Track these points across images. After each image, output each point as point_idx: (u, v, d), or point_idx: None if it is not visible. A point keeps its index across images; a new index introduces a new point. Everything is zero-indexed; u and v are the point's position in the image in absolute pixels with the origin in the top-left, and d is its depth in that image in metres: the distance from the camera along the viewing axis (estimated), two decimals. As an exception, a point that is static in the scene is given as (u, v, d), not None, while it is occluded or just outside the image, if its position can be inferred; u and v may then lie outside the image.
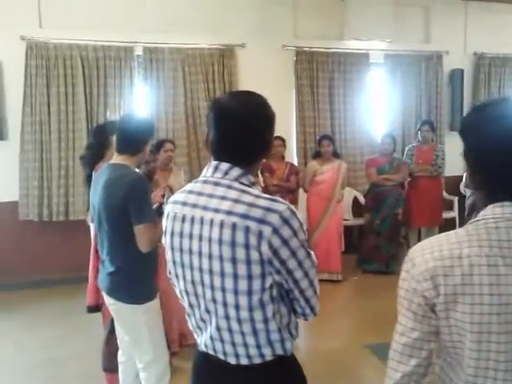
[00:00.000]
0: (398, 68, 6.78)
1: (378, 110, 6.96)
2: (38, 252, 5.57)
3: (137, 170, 2.50)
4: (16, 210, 5.60)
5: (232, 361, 1.32)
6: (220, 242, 1.24)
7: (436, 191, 5.82)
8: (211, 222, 1.26)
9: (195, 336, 1.43)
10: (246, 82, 6.10)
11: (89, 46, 5.66)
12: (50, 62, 5.56)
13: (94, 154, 3.12)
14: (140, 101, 6.01)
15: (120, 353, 2.60)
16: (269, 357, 1.31)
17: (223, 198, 1.27)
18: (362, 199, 6.30)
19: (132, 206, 2.19)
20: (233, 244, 1.22)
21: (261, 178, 5.40)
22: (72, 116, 5.64)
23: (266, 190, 5.35)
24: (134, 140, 2.34)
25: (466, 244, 1.02)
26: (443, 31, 6.85)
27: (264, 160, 1.44)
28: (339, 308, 4.80)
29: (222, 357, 1.34)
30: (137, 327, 2.33)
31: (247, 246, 1.21)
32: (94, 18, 5.64)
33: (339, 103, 6.59)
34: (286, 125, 6.39)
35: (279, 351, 1.32)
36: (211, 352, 1.36)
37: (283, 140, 5.36)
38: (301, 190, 5.54)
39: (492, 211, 1.03)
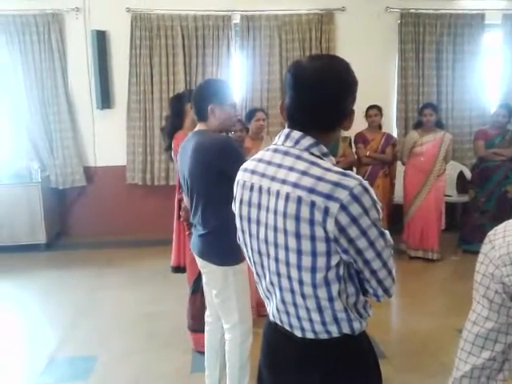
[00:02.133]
0: (520, 30, 6.06)
1: (492, 78, 6.32)
2: (142, 213, 5.98)
3: (223, 134, 2.52)
4: (124, 174, 6.01)
5: (298, 334, 1.30)
6: (285, 215, 1.19)
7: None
8: (277, 193, 1.21)
9: (266, 304, 1.41)
10: (345, 49, 5.85)
11: (189, 16, 5.77)
12: (152, 32, 5.78)
13: (173, 124, 3.18)
14: (237, 70, 6.03)
15: (207, 313, 2.67)
16: (335, 334, 1.27)
17: (291, 168, 1.21)
18: (468, 174, 5.83)
19: (227, 164, 2.17)
20: (297, 218, 1.17)
21: (354, 149, 5.22)
22: (173, 86, 5.84)
23: (358, 161, 5.16)
24: (198, 106, 2.37)
25: None
26: None
27: (343, 130, 1.34)
28: (433, 288, 4.57)
29: (288, 328, 1.32)
30: (226, 289, 2.38)
31: (312, 222, 1.15)
32: (193, -12, 5.72)
33: (447, 69, 6.10)
34: (386, 93, 6.10)
35: (346, 330, 1.27)
36: (278, 322, 1.35)
37: (379, 109, 5.09)
38: (399, 164, 5.27)
39: None
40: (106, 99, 5.84)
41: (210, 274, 2.44)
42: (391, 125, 6.08)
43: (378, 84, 5.92)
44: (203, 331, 3.20)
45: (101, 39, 5.69)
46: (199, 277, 3.15)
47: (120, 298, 4.29)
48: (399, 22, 6.00)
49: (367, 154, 5.02)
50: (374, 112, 5.03)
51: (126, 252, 5.54)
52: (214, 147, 2.26)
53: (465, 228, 5.35)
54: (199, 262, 2.47)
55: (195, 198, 2.38)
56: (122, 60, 5.81)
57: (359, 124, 5.21)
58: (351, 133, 5.26)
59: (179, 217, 3.22)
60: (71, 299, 4.30)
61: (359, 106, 4.70)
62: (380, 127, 5.22)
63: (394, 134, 5.94)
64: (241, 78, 6.01)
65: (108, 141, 5.98)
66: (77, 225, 6.08)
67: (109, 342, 3.49)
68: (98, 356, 3.30)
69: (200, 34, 5.81)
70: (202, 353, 2.89)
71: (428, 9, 5.96)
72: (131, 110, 5.89)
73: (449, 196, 5.83)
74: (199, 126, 2.42)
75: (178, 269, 3.34)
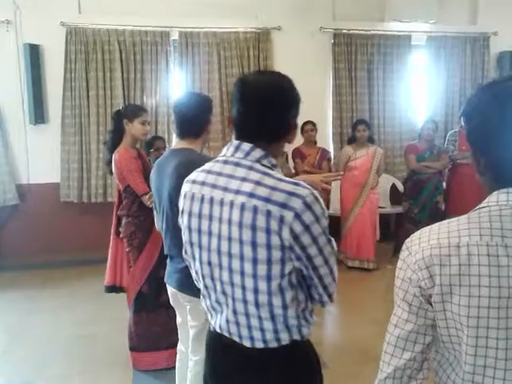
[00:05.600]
0: (442, 51, 6.50)
1: (419, 95, 6.71)
2: (78, 232, 5.77)
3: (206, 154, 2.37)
4: (57, 192, 5.80)
5: (247, 344, 1.31)
6: (240, 224, 1.21)
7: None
8: (231, 203, 1.24)
9: (208, 317, 1.42)
10: (282, 66, 6.00)
11: (126, 31, 5.73)
12: (88, 47, 5.68)
13: (114, 139, 3.16)
14: (175, 85, 6.04)
15: (180, 345, 2.49)
16: (285, 341, 1.30)
17: (244, 179, 1.24)
18: (400, 186, 6.12)
19: None
20: (253, 228, 1.20)
21: (292, 164, 5.34)
22: (110, 101, 5.76)
23: (296, 176, 5.28)
24: (195, 121, 2.19)
25: (465, 232, 0.95)
26: (491, 10, 6.45)
27: (287, 143, 1.39)
28: (371, 296, 4.72)
29: (237, 339, 1.33)
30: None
31: (268, 231, 1.19)
32: (130, 4, 5.69)
33: (378, 87, 6.41)
34: (322, 109, 6.30)
35: (296, 336, 1.31)
36: (226, 334, 1.35)
37: (314, 124, 5.27)
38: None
39: (497, 198, 0.95)
40: (39, 114, 5.64)
41: (197, 307, 2.12)
42: (327, 140, 6.28)
43: (314, 101, 6.11)
44: (146, 350, 3.17)
45: (34, 53, 5.52)
46: (139, 295, 3.11)
47: (55, 321, 4.12)
48: (332, 41, 6.25)
49: (305, 168, 5.15)
50: (310, 127, 5.20)
51: (61, 272, 5.33)
52: None
53: (399, 238, 5.58)
54: (180, 297, 2.22)
55: (175, 226, 1.91)
56: (56, 74, 5.65)
57: (298, 140, 5.36)
58: (287, 148, 5.39)
59: (118, 233, 3.17)
60: (3, 324, 4.08)
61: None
62: (315, 142, 5.39)
63: (331, 149, 6.14)
64: (180, 93, 6.01)
65: (42, 157, 5.76)
66: (9, 245, 5.76)
67: (44, 368, 3.34)
68: (33, 383, 3.15)
69: (138, 49, 5.78)
70: (143, 371, 2.83)
71: (359, 30, 6.25)
72: (66, 125, 5.73)
73: (382, 208, 6.09)
74: (179, 144, 2.24)
75: (114, 288, 3.27)
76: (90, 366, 3.36)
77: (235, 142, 1.31)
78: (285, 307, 1.25)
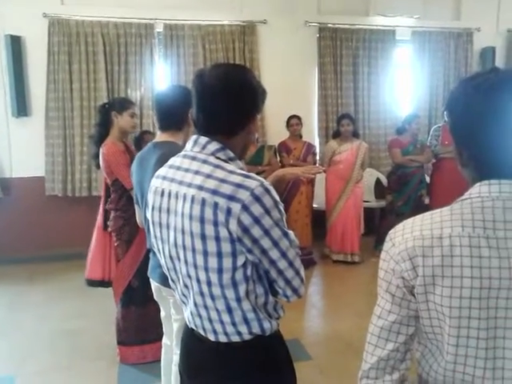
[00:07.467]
0: (426, 46, 6.56)
1: (403, 90, 6.76)
2: (64, 226, 5.72)
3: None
4: (42, 185, 5.73)
5: (211, 337, 1.32)
6: (190, 217, 1.21)
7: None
8: (184, 196, 1.24)
9: (183, 310, 1.42)
10: (267, 60, 6.03)
11: (110, 23, 5.66)
12: (71, 38, 5.60)
13: (101, 132, 3.13)
14: (160, 78, 6.00)
15: (166, 339, 2.50)
16: (246, 335, 1.29)
17: (197, 172, 1.24)
18: (384, 180, 6.18)
19: None
20: (202, 220, 1.19)
21: (278, 158, 5.35)
22: (94, 93, 5.69)
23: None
24: (176, 114, 2.15)
25: (448, 223, 0.96)
26: (474, 7, 6.55)
27: (254, 135, 1.38)
28: (356, 289, 4.77)
29: (202, 332, 1.34)
30: None
31: (216, 223, 1.18)
32: (115, -5, 5.62)
33: (363, 81, 6.44)
34: (308, 103, 6.31)
35: (256, 330, 1.30)
36: (193, 327, 1.37)
37: (299, 118, 5.28)
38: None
39: (479, 189, 0.97)
40: (22, 107, 5.55)
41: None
42: (313, 134, 6.30)
43: (299, 95, 6.14)
44: (134, 344, 3.17)
45: (16, 44, 5.42)
46: (128, 289, 3.10)
47: (41, 315, 4.09)
48: (318, 35, 6.25)
49: (291, 162, 5.17)
50: (295, 121, 5.21)
51: (47, 267, 5.29)
52: None
53: (381, 230, 5.64)
54: (163, 291, 2.22)
55: None
56: (39, 66, 5.57)
57: (284, 134, 5.37)
58: (276, 142, 5.41)
59: (106, 227, 3.15)
60: (-14, 319, 4.04)
61: (281, 116, 4.92)
62: (301, 136, 5.41)
63: (316, 143, 6.16)
64: (164, 86, 5.96)
65: (25, 150, 5.67)
66: (-8, 240, 5.71)
67: (28, 361, 3.32)
68: (15, 376, 3.12)
69: (122, 41, 5.72)
70: (129, 365, 2.83)
71: (344, 24, 6.27)
72: (50, 118, 5.65)
73: (367, 202, 6.14)
74: (161, 137, 2.23)
75: (101, 282, 3.25)
76: (75, 360, 3.34)
77: (194, 137, 1.32)
78: (239, 300, 1.24)
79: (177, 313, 2.22)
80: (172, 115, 2.17)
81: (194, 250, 1.23)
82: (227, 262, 1.21)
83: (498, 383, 0.94)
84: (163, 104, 2.20)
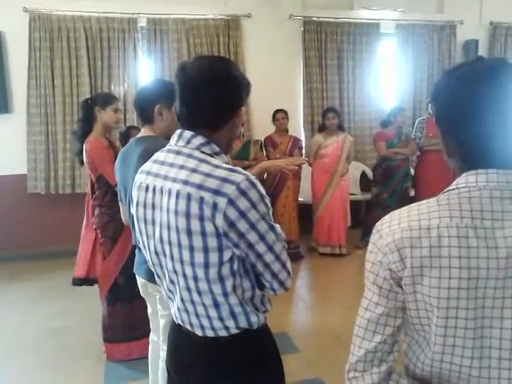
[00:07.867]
0: (410, 39, 6.59)
1: (388, 82, 6.78)
2: (47, 224, 5.64)
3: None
4: (24, 183, 5.65)
5: (198, 332, 1.31)
6: (176, 212, 1.20)
7: (447, 165, 5.67)
8: (169, 191, 1.22)
9: (170, 306, 1.41)
10: (252, 54, 6.00)
11: (92, 18, 5.58)
12: (53, 34, 5.51)
13: (84, 128, 3.09)
14: (144, 73, 5.93)
15: (153, 335, 2.48)
16: (234, 329, 1.29)
17: (182, 167, 1.23)
18: (370, 174, 6.21)
19: None
20: (187, 215, 1.18)
21: (264, 152, 5.34)
22: (76, 89, 5.62)
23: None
24: (142, 106, 2.17)
25: (435, 214, 0.95)
26: (457, 0, 6.57)
27: (238, 128, 1.37)
28: (343, 282, 4.79)
29: (189, 327, 1.33)
30: None
31: (201, 218, 1.17)
32: (96, -11, 5.54)
33: (348, 75, 6.45)
34: (294, 97, 6.30)
35: (243, 324, 1.29)
36: (180, 323, 1.36)
37: (286, 112, 5.27)
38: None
39: (465, 179, 0.97)
40: (3, 103, 5.46)
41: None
42: (299, 128, 6.30)
43: (284, 89, 6.12)
44: (121, 341, 3.14)
45: (-5, 40, 5.33)
46: (114, 287, 3.07)
47: (25, 314, 4.03)
48: (302, 29, 6.24)
49: (277, 156, 5.16)
50: (281, 115, 5.20)
51: (30, 265, 5.22)
52: None
53: (367, 222, 5.66)
54: (149, 287, 2.21)
55: None
56: (20, 62, 5.47)
57: (270, 128, 5.35)
58: (261, 137, 5.39)
59: (90, 225, 3.12)
60: (-31, 319, 3.97)
61: (267, 111, 4.89)
62: (287, 130, 5.40)
63: (302, 137, 6.16)
64: (148, 81, 5.90)
65: (6, 148, 5.57)
66: (-26, 239, 5.61)
67: (13, 361, 3.27)
68: (0, 376, 3.08)
69: (105, 36, 5.64)
70: (116, 362, 2.80)
71: (329, 17, 6.26)
72: (31, 114, 5.56)
73: (353, 194, 6.16)
74: (144, 132, 2.23)
75: (86, 280, 3.21)
76: (61, 359, 3.30)
77: (178, 131, 1.30)
78: (225, 295, 1.24)
79: (163, 309, 2.21)
80: (142, 109, 2.18)
81: (179, 246, 1.22)
82: (213, 257, 1.20)
83: (485, 371, 0.94)
84: (137, 99, 2.23)
